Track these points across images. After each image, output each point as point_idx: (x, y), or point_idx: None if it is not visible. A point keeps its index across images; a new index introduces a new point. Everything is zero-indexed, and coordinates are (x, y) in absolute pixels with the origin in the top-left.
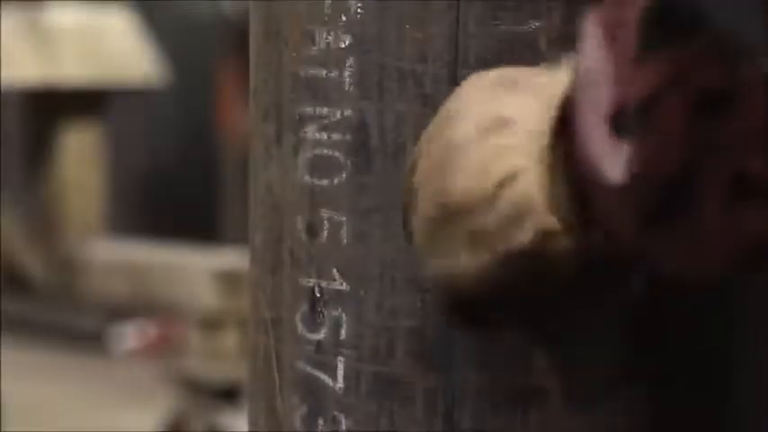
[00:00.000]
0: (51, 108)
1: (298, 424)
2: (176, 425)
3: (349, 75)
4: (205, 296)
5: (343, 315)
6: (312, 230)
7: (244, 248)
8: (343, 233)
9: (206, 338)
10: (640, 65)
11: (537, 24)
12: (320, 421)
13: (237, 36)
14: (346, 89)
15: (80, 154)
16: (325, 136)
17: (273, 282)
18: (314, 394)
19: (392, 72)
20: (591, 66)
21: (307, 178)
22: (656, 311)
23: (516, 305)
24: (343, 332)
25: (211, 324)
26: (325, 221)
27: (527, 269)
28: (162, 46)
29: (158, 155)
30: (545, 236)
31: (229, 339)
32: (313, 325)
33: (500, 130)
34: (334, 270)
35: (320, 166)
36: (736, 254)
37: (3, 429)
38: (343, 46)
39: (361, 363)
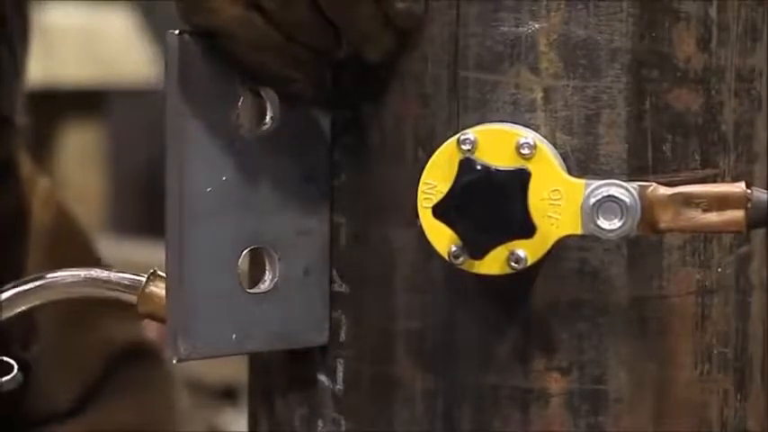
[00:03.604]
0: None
1: (297, 425)
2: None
3: (347, 75)
4: None
5: (343, 317)
6: None
7: None
8: (343, 234)
9: None
10: None
11: (537, 25)
12: (320, 423)
13: None
14: (345, 89)
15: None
16: None
17: None
18: (313, 396)
19: (391, 72)
20: None
21: None
22: None
23: None
24: (342, 333)
25: None
26: None
27: None
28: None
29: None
30: None
31: None
32: None
33: None
34: (334, 272)
35: None
36: None
37: None
38: None
39: (361, 364)
